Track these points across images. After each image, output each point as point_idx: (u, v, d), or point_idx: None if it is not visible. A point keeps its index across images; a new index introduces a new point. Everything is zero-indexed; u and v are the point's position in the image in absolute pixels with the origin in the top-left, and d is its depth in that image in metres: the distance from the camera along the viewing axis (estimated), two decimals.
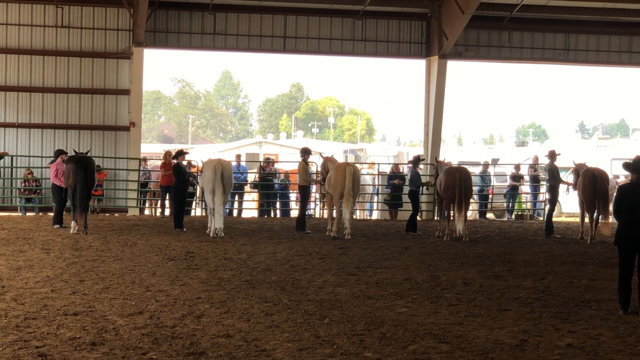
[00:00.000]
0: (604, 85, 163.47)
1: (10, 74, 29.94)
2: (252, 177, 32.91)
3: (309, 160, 24.14)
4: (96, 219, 26.21)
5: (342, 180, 21.72)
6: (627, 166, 12.28)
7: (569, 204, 31.98)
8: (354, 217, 26.84)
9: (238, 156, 32.81)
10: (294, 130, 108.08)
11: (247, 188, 32.27)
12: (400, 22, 32.75)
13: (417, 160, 24.88)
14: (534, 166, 32.54)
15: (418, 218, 25.95)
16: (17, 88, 29.96)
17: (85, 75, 30.35)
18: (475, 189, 29.03)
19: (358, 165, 28.57)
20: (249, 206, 32.67)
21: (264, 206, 31.08)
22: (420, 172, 26.47)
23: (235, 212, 30.53)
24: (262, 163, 31.92)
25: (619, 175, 32.08)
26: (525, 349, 9.49)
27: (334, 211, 22.67)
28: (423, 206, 31.46)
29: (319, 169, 26.56)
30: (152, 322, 10.40)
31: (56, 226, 22.73)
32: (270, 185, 30.96)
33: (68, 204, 22.55)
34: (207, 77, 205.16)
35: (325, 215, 31.08)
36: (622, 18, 33.26)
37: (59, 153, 23.65)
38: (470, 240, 21.91)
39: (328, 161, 23.51)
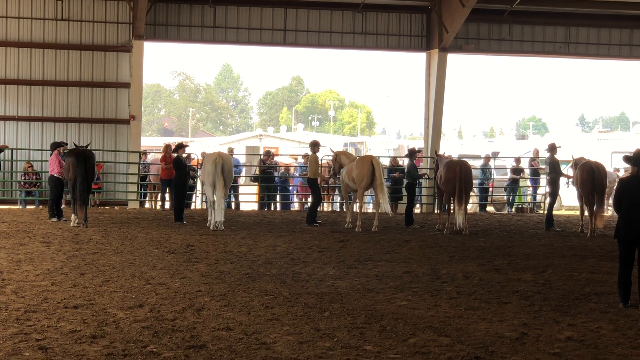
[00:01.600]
0: (604, 79, 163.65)
1: (10, 67, 29.91)
2: (250, 170, 32.91)
3: (318, 153, 24.30)
4: (96, 212, 26.20)
5: (368, 172, 21.83)
6: (627, 159, 12.27)
7: (569, 197, 31.97)
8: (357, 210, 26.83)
9: (230, 149, 32.69)
10: (294, 123, 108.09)
11: (240, 181, 32.23)
12: (400, 15, 32.71)
13: (412, 153, 24.97)
14: (534, 159, 32.53)
15: (416, 211, 25.98)
16: (17, 81, 29.92)
17: (85, 68, 30.33)
18: (475, 182, 29.05)
19: None
20: (247, 199, 32.65)
21: (264, 199, 31.06)
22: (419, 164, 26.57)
23: (233, 205, 30.47)
24: (262, 156, 31.88)
25: (619, 168, 32.07)
26: (526, 342, 9.50)
27: (351, 204, 23.06)
28: (424, 199, 31.50)
29: (324, 163, 26.62)
30: (152, 315, 10.40)
31: (53, 219, 22.73)
32: (270, 179, 30.94)
33: (68, 197, 22.54)
34: (207, 70, 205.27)
35: (326, 209, 31.22)
36: (623, 11, 33.22)
37: (56, 146, 23.66)
38: (471, 234, 21.91)
39: (342, 155, 23.67)
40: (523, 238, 21.53)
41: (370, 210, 32.60)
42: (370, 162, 22.05)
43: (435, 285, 13.30)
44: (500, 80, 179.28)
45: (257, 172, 31.37)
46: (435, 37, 31.96)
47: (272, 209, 30.89)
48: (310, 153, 24.28)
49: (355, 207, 24.06)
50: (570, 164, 26.42)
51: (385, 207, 22.08)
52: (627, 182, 12.16)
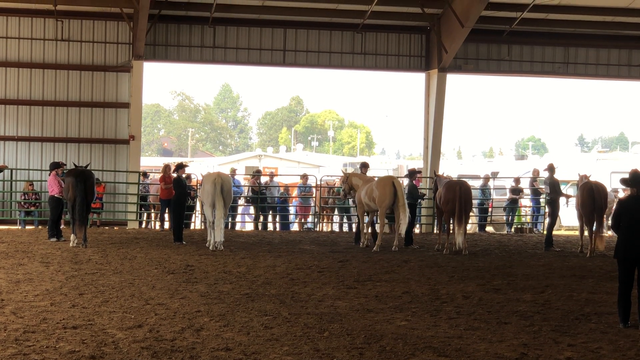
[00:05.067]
0: (603, 99, 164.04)
1: (10, 87, 29.98)
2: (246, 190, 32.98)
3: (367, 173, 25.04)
4: (96, 232, 26.18)
5: (390, 193, 22.14)
6: (624, 181, 12.35)
7: (569, 217, 31.94)
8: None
9: (233, 170, 32.63)
10: (294, 143, 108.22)
11: (239, 202, 32.22)
12: (399, 36, 32.82)
13: (412, 173, 25.15)
14: (534, 179, 32.52)
15: (415, 231, 26.02)
16: (17, 101, 29.98)
17: (85, 88, 30.40)
18: (474, 202, 29.05)
19: None
20: (245, 220, 32.60)
21: (259, 219, 30.98)
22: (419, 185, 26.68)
23: (229, 226, 30.36)
24: (253, 176, 31.87)
25: (617, 189, 32.03)
26: None
27: (366, 224, 23.31)
28: (423, 219, 31.47)
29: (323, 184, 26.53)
30: (151, 336, 10.38)
31: (53, 239, 22.72)
32: (264, 199, 30.84)
33: (67, 217, 22.53)
34: (206, 91, 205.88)
35: (325, 229, 31.22)
36: (622, 31, 33.34)
37: (55, 166, 23.67)
38: (470, 254, 21.90)
39: (353, 176, 23.95)
40: (522, 258, 21.51)
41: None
42: (392, 184, 22.42)
43: (434, 306, 13.28)
44: (499, 101, 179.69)
45: (252, 193, 31.30)
46: (435, 57, 32.05)
47: (272, 229, 30.82)
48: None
49: (374, 228, 24.08)
50: (572, 182, 26.42)
51: (403, 227, 22.39)
52: (626, 202, 12.20)
